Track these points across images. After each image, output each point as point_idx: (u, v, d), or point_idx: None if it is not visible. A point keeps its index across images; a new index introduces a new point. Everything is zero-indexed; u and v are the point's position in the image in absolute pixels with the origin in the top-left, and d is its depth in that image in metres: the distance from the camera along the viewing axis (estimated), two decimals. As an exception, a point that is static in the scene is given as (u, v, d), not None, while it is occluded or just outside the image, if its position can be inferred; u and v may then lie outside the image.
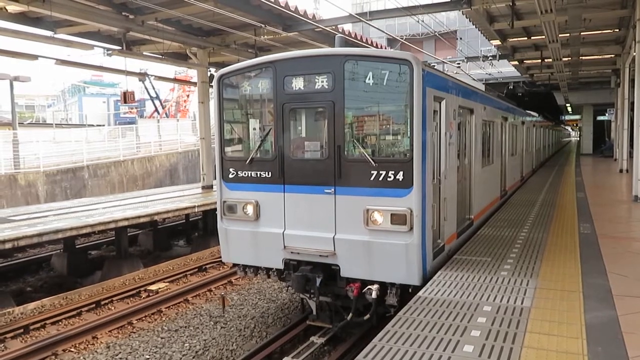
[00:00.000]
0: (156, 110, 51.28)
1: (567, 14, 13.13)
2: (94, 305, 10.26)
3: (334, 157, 6.61)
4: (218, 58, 19.25)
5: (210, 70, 18.38)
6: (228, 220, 7.54)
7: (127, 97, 16.60)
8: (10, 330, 8.92)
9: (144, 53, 17.36)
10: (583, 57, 21.76)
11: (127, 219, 12.94)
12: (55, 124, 42.94)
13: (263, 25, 14.82)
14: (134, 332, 9.06)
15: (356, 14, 15.20)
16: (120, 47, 15.30)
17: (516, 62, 24.57)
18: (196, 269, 12.81)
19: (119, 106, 54.66)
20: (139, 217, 13.32)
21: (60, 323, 9.51)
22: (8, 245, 10.46)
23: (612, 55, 22.53)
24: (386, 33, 22.29)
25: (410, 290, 6.37)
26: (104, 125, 41.48)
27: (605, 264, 6.80)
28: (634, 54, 14.16)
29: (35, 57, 14.71)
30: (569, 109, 42.88)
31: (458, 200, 8.02)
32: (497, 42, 19.85)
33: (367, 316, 6.80)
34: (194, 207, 15.19)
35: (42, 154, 22.86)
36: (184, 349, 8.24)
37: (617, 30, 17.97)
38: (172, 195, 17.93)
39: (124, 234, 13.63)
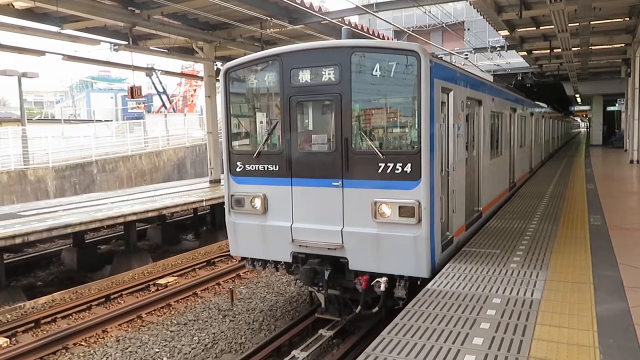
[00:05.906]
0: (163, 105, 51.40)
1: (577, 2, 12.92)
2: (103, 299, 10.35)
3: (341, 150, 6.58)
4: (224, 52, 19.22)
5: (216, 64, 18.37)
6: (236, 214, 7.54)
7: (134, 92, 16.65)
8: (21, 325, 9.01)
9: (151, 48, 17.38)
10: (593, 47, 21.45)
11: (135, 213, 13.01)
12: (64, 120, 43.09)
13: (269, 18, 14.76)
14: (144, 326, 9.12)
15: (363, 6, 15.11)
16: (126, 42, 15.31)
17: (525, 53, 24.30)
18: (205, 263, 12.87)
19: (127, 101, 54.72)
20: (148, 211, 13.39)
21: (70, 317, 9.60)
22: (18, 240, 10.57)
23: (623, 45, 22.20)
24: (393, 25, 22.05)
25: (418, 282, 6.35)
26: (111, 121, 41.61)
27: (616, 256, 6.73)
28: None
29: (42, 52, 14.77)
30: (579, 99, 42.40)
31: (466, 192, 7.97)
32: (505, 32, 19.62)
33: (376, 309, 6.79)
34: (202, 201, 15.23)
35: (51, 149, 23.03)
36: (193, 342, 8.28)
37: (628, 18, 17.68)
38: (180, 189, 17.98)
39: (133, 229, 13.71)
